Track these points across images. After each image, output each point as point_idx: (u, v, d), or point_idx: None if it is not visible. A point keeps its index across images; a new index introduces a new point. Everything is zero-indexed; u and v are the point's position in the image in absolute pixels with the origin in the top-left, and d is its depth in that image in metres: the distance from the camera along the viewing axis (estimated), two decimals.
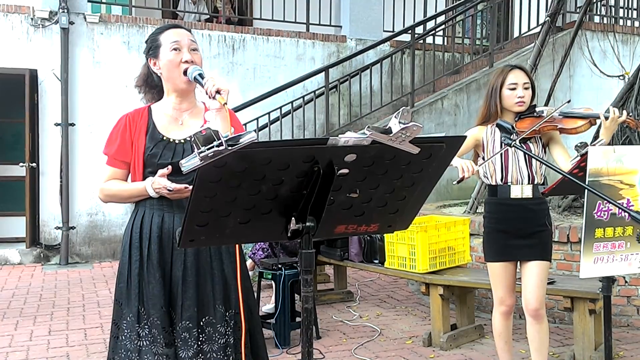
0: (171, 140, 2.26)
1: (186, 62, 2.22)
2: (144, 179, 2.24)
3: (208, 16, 9.39)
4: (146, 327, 2.19)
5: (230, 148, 1.35)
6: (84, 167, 7.38)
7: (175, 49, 2.23)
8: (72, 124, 7.32)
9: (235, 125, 2.18)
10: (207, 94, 2.08)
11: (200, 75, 2.15)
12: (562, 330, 4.47)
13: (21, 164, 7.16)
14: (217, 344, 2.20)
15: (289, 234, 1.63)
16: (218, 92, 2.04)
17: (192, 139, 1.35)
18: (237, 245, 2.19)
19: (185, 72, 2.21)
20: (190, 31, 2.35)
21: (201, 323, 2.21)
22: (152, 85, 2.39)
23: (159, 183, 2.16)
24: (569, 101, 3.02)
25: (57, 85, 7.28)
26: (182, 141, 2.26)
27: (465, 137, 1.67)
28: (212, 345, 2.20)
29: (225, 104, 2.03)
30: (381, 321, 4.81)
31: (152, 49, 2.29)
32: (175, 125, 2.29)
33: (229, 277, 2.25)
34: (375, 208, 1.68)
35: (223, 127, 2.09)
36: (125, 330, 2.21)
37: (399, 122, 1.46)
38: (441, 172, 1.69)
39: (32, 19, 7.27)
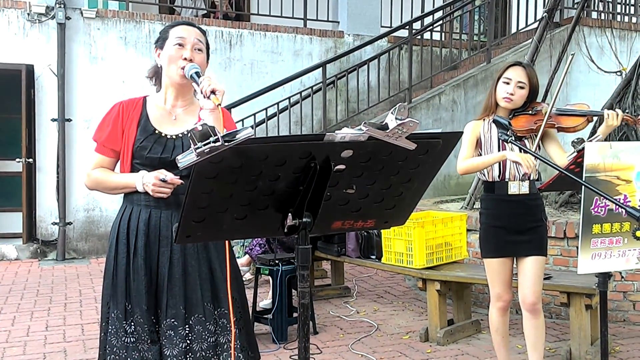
0: (163, 134, 2.25)
1: (185, 59, 2.21)
2: (131, 170, 2.23)
3: (205, 11, 9.36)
4: (132, 323, 2.19)
5: (226, 144, 1.35)
6: (80, 163, 7.35)
7: (178, 44, 2.22)
8: (69, 120, 7.30)
9: (229, 126, 2.15)
10: (201, 93, 2.06)
11: (197, 73, 2.14)
12: (558, 325, 4.48)
13: (18, 159, 7.15)
14: (206, 343, 2.19)
15: (285, 230, 1.63)
16: (213, 92, 2.03)
17: (189, 134, 1.35)
18: (227, 243, 2.17)
19: (182, 69, 2.20)
20: (204, 33, 2.32)
21: (190, 322, 2.19)
22: (161, 77, 2.37)
23: (151, 177, 2.13)
24: (564, 77, 3.00)
25: (53, 81, 7.26)
26: (174, 137, 2.25)
27: (462, 133, 1.67)
28: (201, 344, 2.18)
29: (219, 104, 2.02)
30: (378, 316, 4.82)
31: (160, 40, 2.29)
32: (168, 120, 2.28)
33: (217, 275, 2.23)
34: (371, 204, 1.68)
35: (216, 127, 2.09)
36: (111, 327, 2.21)
37: (396, 118, 1.46)
38: (438, 168, 1.69)
39: (28, 14, 7.24)
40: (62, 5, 7.18)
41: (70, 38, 7.34)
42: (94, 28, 7.49)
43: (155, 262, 2.21)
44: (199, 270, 2.22)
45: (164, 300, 2.19)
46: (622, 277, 4.47)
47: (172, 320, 2.18)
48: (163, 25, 7.89)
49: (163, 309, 2.19)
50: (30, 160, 7.19)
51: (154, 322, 2.20)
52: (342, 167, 1.54)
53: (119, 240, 2.24)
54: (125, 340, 2.18)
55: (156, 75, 2.37)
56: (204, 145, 1.34)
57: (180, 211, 1.51)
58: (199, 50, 2.25)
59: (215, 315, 2.22)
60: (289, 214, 1.61)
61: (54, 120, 7.25)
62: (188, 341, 2.18)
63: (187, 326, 2.19)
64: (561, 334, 4.29)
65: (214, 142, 1.34)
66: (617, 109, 2.97)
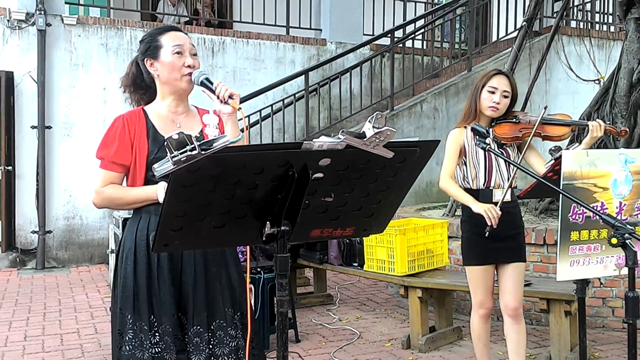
0: None
1: (189, 66, 2.21)
2: (145, 182, 2.19)
3: (187, 18, 9.35)
4: (157, 334, 2.17)
5: (203, 152, 1.34)
6: (60, 171, 7.30)
7: (178, 53, 2.21)
8: (49, 127, 7.23)
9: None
10: (218, 98, 2.08)
11: (207, 79, 2.14)
12: (538, 331, 4.51)
13: None
14: (228, 347, 2.21)
15: (264, 238, 1.63)
16: (231, 96, 2.06)
17: (165, 143, 1.34)
18: (248, 249, 2.17)
19: (188, 75, 2.20)
20: (188, 35, 2.33)
21: (212, 327, 2.20)
22: (140, 86, 2.34)
23: None
24: (545, 107, 3.08)
25: (33, 88, 7.20)
26: None
27: (439, 141, 1.68)
28: (223, 348, 2.20)
29: (240, 108, 2.05)
30: (360, 324, 4.82)
31: (151, 49, 2.25)
32: (173, 128, 2.24)
33: (234, 281, 2.26)
34: (350, 212, 1.69)
35: (233, 131, 2.12)
36: (133, 340, 2.17)
37: (373, 127, 1.47)
38: (416, 176, 1.70)
39: (8, 20, 7.17)
40: (43, 12, 7.13)
41: (50, 45, 7.29)
42: (74, 35, 7.44)
43: (178, 272, 2.20)
44: (219, 277, 2.23)
45: (190, 308, 2.19)
46: (601, 283, 4.51)
47: (198, 327, 2.19)
48: (145, 32, 7.85)
49: (190, 317, 2.19)
50: (10, 167, 7.11)
51: (181, 330, 2.20)
52: (320, 175, 1.54)
53: (138, 251, 2.19)
54: (152, 351, 2.16)
55: (134, 84, 2.34)
56: (181, 153, 1.33)
57: (158, 220, 1.50)
58: (195, 55, 2.26)
59: (236, 319, 2.24)
60: (267, 222, 1.61)
61: (33, 127, 7.17)
62: (211, 346, 2.20)
63: (209, 332, 2.20)
64: (541, 340, 4.32)
65: (191, 150, 1.33)
66: (599, 120, 3.02)
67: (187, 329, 2.20)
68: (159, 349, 2.16)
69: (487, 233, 2.96)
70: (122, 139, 2.20)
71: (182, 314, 2.20)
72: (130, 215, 2.28)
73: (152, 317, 2.17)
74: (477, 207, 3.00)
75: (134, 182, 2.21)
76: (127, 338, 2.17)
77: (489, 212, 2.94)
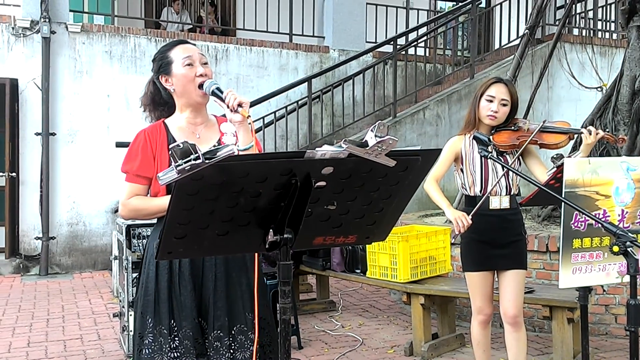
0: None
1: (201, 75, 2.25)
2: (168, 192, 2.22)
3: (191, 26, 9.40)
4: (177, 339, 2.20)
5: (207, 162, 1.36)
6: (64, 177, 7.32)
7: (188, 64, 2.26)
8: (53, 134, 7.27)
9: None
10: (228, 107, 2.11)
11: (218, 89, 2.18)
12: (541, 338, 4.51)
13: (1, 173, 7.09)
14: (248, 351, 2.24)
15: (267, 246, 1.64)
16: (240, 105, 2.09)
17: (170, 152, 1.36)
18: (256, 257, 2.19)
19: (200, 86, 2.24)
20: (196, 46, 2.37)
21: (233, 332, 2.23)
22: (160, 103, 2.40)
23: None
24: (544, 121, 3.12)
25: (38, 95, 7.23)
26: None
27: (441, 150, 1.69)
28: (244, 352, 2.23)
29: (249, 116, 2.08)
30: (363, 331, 4.82)
31: (163, 66, 2.30)
32: (193, 139, 2.28)
33: (252, 285, 2.29)
34: (352, 220, 1.70)
35: (245, 138, 2.15)
36: (153, 343, 2.21)
37: (375, 136, 1.48)
38: (418, 184, 1.71)
39: (13, 28, 7.22)
40: (47, 20, 7.17)
41: (55, 52, 7.33)
42: (79, 42, 7.48)
43: (200, 277, 2.24)
44: (239, 282, 2.26)
45: (211, 313, 2.23)
46: (604, 290, 4.51)
47: (219, 331, 2.22)
48: (148, 40, 7.89)
49: (210, 321, 2.23)
50: (14, 174, 7.14)
51: (201, 334, 2.23)
52: (322, 183, 1.55)
53: None
54: (170, 356, 2.20)
55: (152, 102, 2.39)
56: (185, 162, 1.35)
57: (161, 228, 1.51)
58: (205, 64, 2.30)
59: (254, 324, 2.25)
60: (271, 229, 1.62)
61: (38, 134, 7.21)
62: (232, 351, 2.23)
63: (230, 336, 2.23)
64: (544, 347, 4.32)
65: (195, 159, 1.35)
66: (591, 127, 3.03)
67: (207, 334, 2.23)
68: (178, 354, 2.20)
69: (453, 240, 3.00)
70: (144, 153, 2.26)
71: (203, 318, 2.24)
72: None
73: (172, 321, 2.21)
74: (449, 213, 3.05)
75: (156, 192, 2.27)
76: (146, 341, 2.21)
77: (459, 220, 2.98)
